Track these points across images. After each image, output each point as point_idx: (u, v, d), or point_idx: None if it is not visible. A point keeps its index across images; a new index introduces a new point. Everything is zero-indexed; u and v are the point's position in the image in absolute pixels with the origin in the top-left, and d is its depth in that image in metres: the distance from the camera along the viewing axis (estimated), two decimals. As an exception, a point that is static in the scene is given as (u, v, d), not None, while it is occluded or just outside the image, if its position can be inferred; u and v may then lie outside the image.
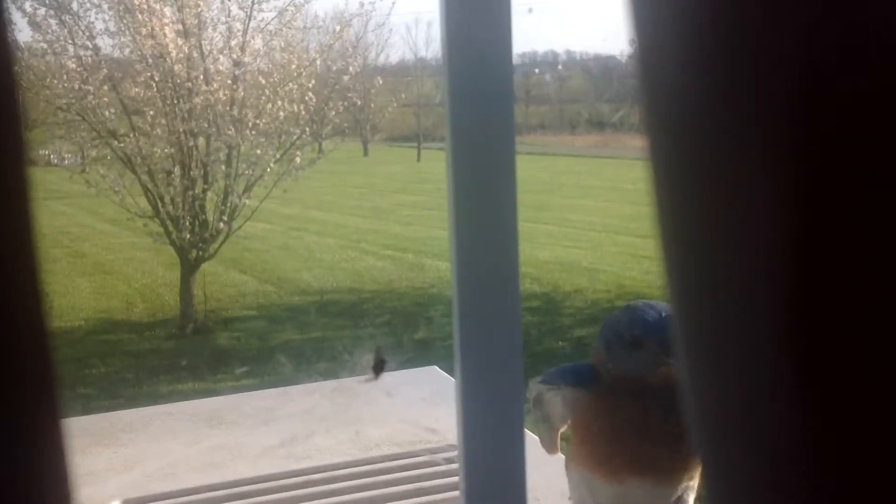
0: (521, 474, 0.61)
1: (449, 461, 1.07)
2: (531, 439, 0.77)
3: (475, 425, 0.60)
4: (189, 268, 6.22)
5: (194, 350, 5.76)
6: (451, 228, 0.57)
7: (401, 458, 1.10)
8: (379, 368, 1.38)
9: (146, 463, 1.16)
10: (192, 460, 1.15)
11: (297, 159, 6.40)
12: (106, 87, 6.09)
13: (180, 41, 6.00)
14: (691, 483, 0.91)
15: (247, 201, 6.26)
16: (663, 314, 0.83)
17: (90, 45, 6.14)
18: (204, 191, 6.10)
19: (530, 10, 9.41)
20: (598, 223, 9.92)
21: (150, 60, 6.00)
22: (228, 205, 6.17)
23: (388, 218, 10.51)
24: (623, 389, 0.86)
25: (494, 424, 0.60)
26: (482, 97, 0.56)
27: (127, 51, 6.22)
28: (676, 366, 0.78)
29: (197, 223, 6.13)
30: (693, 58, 0.20)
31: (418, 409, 1.24)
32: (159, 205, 6.06)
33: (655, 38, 0.21)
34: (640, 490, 0.88)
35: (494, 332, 0.59)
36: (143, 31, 5.94)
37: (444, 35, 0.57)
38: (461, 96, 0.56)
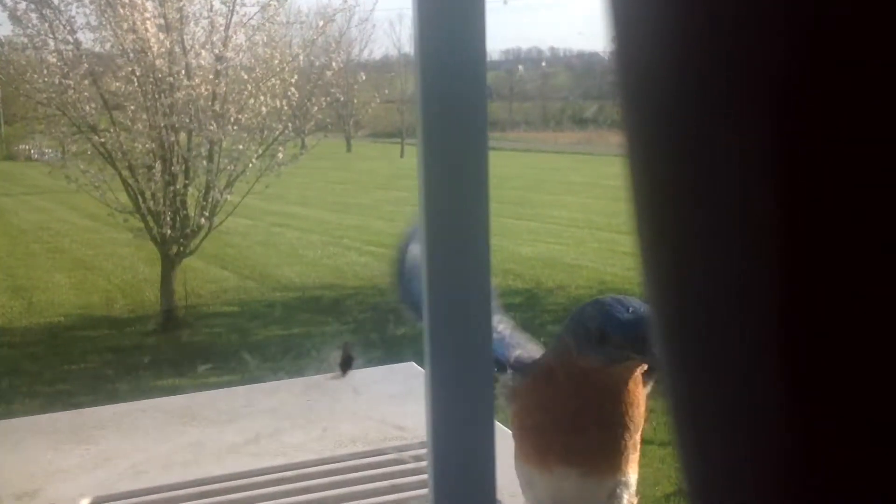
0: (491, 470, 0.61)
1: (418, 459, 1.07)
2: (503, 435, 0.76)
3: (444, 421, 0.59)
4: (170, 263, 6.19)
5: (175, 346, 5.74)
6: (422, 225, 0.56)
7: (369, 456, 1.10)
8: (346, 365, 1.38)
9: (117, 460, 1.15)
10: (163, 458, 1.14)
11: (280, 155, 6.38)
12: (87, 82, 6.06)
13: (162, 36, 5.97)
14: (624, 479, 0.91)
15: (228, 197, 6.24)
16: (631, 310, 0.84)
17: (71, 40, 6.11)
18: (185, 186, 6.08)
19: (505, 2, 9.41)
20: (580, 219, 9.94)
21: (132, 55, 5.97)
22: (210, 200, 6.14)
23: (370, 214, 10.50)
24: (563, 380, 0.87)
25: (464, 420, 0.60)
26: (455, 93, 0.55)
27: (108, 45, 6.19)
28: (642, 362, 0.78)
29: (178, 219, 6.10)
30: (671, 57, 0.19)
31: (389, 406, 1.24)
32: (140, 200, 6.03)
33: (633, 36, 0.21)
34: (569, 480, 0.88)
35: (465, 327, 0.58)
36: (125, 25, 5.91)
37: (416, 30, 0.56)
38: (433, 92, 0.55)
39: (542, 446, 0.89)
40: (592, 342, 0.84)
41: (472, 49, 0.54)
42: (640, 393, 0.90)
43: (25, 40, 6.12)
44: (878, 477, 0.18)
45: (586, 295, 6.64)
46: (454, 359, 0.57)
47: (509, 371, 0.90)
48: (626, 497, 0.91)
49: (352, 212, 10.86)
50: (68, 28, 6.08)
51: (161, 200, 6.05)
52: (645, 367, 0.88)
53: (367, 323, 6.07)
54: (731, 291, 0.19)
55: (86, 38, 6.20)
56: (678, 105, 0.20)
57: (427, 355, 0.58)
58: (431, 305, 0.56)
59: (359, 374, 1.46)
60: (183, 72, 6.00)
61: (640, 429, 0.90)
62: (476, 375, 0.58)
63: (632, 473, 0.92)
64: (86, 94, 6.00)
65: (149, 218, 6.06)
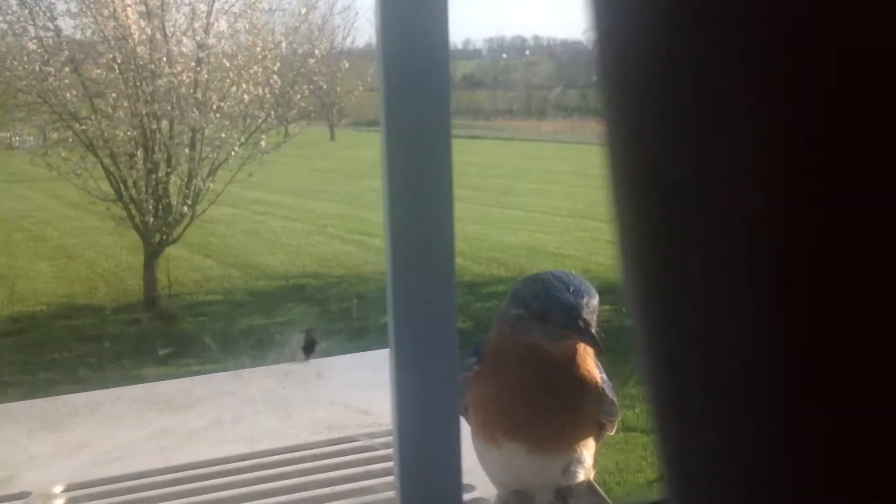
0: (457, 454, 0.61)
1: (385, 446, 1.07)
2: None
3: (409, 408, 0.59)
4: (152, 252, 6.17)
5: (158, 335, 5.72)
6: (385, 213, 0.57)
7: (336, 444, 1.10)
8: (309, 349, 1.38)
9: (91, 447, 1.15)
10: (135, 444, 1.14)
11: (263, 143, 6.36)
12: (67, 69, 6.01)
13: (143, 23, 5.93)
14: (577, 456, 0.91)
15: (211, 185, 6.21)
16: (572, 289, 0.85)
17: (51, 27, 6.06)
18: (167, 174, 6.05)
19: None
20: (564, 208, 9.94)
21: (113, 42, 5.93)
22: (192, 188, 6.11)
23: (354, 202, 10.47)
24: (511, 356, 0.88)
25: (429, 407, 0.60)
26: (417, 82, 0.56)
27: (89, 32, 6.15)
28: (581, 341, 0.78)
29: (160, 207, 6.08)
30: (652, 51, 0.19)
31: (360, 393, 1.24)
32: (122, 188, 6.00)
33: (615, 24, 0.21)
34: (517, 456, 0.89)
35: (429, 314, 0.58)
36: (105, 12, 5.87)
37: (378, 17, 0.56)
38: (395, 81, 0.55)
39: (490, 422, 0.90)
40: (535, 320, 0.85)
41: (434, 38, 0.55)
42: (588, 368, 0.90)
43: (5, 27, 6.07)
44: (854, 472, 0.18)
45: (570, 283, 6.62)
46: (419, 345, 0.58)
47: (467, 356, 0.91)
48: (580, 473, 0.92)
49: (336, 200, 10.82)
50: (48, 15, 6.03)
51: (143, 189, 6.02)
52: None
53: (352, 311, 6.07)
54: (716, 286, 0.19)
55: (66, 25, 6.16)
56: (662, 95, 0.19)
57: (392, 342, 0.58)
58: (395, 293, 0.57)
59: (341, 361, 1.46)
60: (164, 59, 5.96)
61: (597, 407, 0.91)
62: (441, 361, 0.58)
63: (585, 451, 0.92)
64: (66, 81, 5.96)
65: (131, 206, 6.04)
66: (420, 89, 0.56)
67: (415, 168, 0.57)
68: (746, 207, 0.18)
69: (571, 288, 0.85)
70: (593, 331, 0.87)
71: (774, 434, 0.19)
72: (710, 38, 0.18)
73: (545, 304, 0.85)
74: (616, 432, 0.96)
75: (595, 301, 0.89)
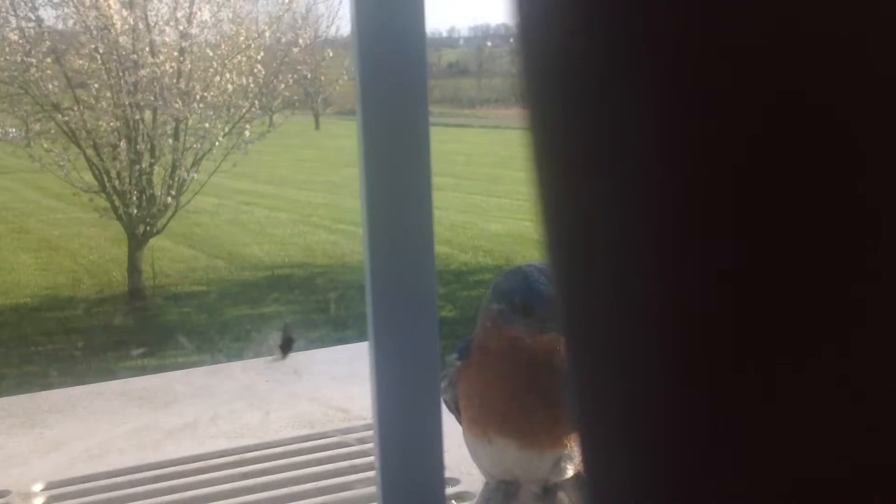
0: (439, 450, 0.60)
1: (362, 441, 1.06)
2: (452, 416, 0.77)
3: (389, 402, 0.58)
4: (137, 243, 6.14)
5: (143, 326, 5.70)
6: (363, 203, 0.56)
7: (314, 439, 1.09)
8: (286, 347, 1.37)
9: (71, 444, 1.14)
10: (115, 441, 1.13)
11: (247, 133, 6.34)
12: (49, 60, 5.98)
13: (125, 12, 5.89)
14: (567, 452, 0.91)
15: (195, 175, 6.19)
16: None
17: (33, 17, 6.02)
18: (151, 165, 6.02)
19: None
20: (550, 196, 9.92)
21: (95, 32, 5.89)
22: (176, 179, 6.09)
23: (340, 192, 10.44)
24: (496, 352, 0.88)
25: (409, 400, 0.59)
26: (394, 69, 0.54)
27: (70, 22, 6.12)
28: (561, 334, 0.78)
29: (144, 198, 6.05)
30: (575, 45, 0.19)
31: (344, 386, 1.24)
32: (105, 179, 5.97)
33: (537, 20, 0.20)
34: (508, 451, 0.89)
35: (409, 306, 0.57)
36: (87, 1, 5.83)
37: (353, 4, 0.55)
38: (372, 69, 0.54)
39: (481, 417, 0.90)
40: (517, 314, 0.84)
41: (410, 24, 0.54)
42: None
43: (-14, 18, 6.03)
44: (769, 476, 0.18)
45: (556, 271, 6.63)
46: (398, 337, 0.57)
47: (453, 354, 0.91)
48: (570, 469, 0.92)
49: (321, 190, 10.80)
50: (30, 5, 5.99)
51: (127, 179, 5.99)
52: None
53: (338, 301, 6.06)
54: (630, 286, 0.19)
55: (48, 15, 6.12)
56: (583, 85, 0.19)
57: (371, 336, 0.57)
58: (374, 287, 0.56)
59: (324, 354, 1.45)
60: (147, 49, 5.93)
61: None
62: (421, 353, 0.58)
63: (575, 447, 0.92)
64: (48, 72, 5.92)
65: (115, 197, 6.01)
66: (397, 77, 0.55)
67: (393, 158, 0.56)
68: (667, 206, 0.18)
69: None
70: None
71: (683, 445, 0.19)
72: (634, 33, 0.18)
73: (527, 298, 0.84)
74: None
75: None
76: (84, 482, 1.02)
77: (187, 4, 6.14)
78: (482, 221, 8.45)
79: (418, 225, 0.57)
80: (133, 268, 6.15)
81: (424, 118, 0.57)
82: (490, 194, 9.93)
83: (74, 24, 6.05)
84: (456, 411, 0.91)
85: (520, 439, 0.89)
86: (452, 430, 0.84)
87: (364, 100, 0.56)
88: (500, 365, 0.88)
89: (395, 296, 0.57)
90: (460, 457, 0.90)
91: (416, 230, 0.57)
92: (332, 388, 1.23)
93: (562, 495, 0.93)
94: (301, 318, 5.67)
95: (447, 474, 0.88)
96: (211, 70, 6.15)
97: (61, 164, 5.94)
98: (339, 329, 5.25)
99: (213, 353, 5.01)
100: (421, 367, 0.58)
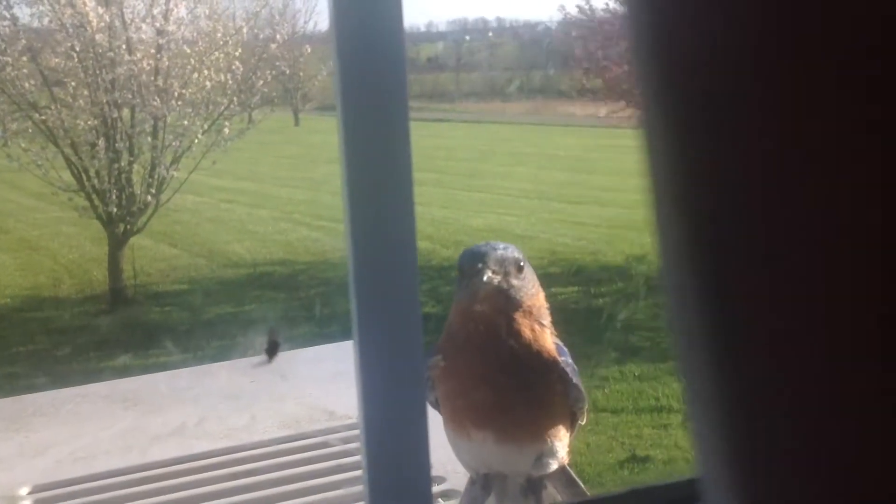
0: (425, 450, 0.61)
1: (346, 441, 1.07)
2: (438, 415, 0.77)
3: (375, 401, 0.59)
4: (117, 242, 6.11)
5: (125, 326, 5.68)
6: (345, 201, 0.56)
7: (300, 439, 1.10)
8: (272, 351, 1.37)
9: (57, 448, 1.13)
10: (103, 444, 1.13)
11: (226, 130, 6.31)
12: (25, 58, 5.93)
13: (101, 10, 5.85)
14: (548, 447, 0.92)
15: (175, 173, 6.16)
16: (489, 246, 0.88)
17: (7, 15, 5.97)
18: (130, 163, 5.98)
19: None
20: (530, 190, 9.95)
21: (71, 30, 5.85)
22: (156, 177, 6.06)
23: (320, 188, 10.40)
24: (458, 332, 0.89)
25: (395, 399, 0.59)
26: (373, 64, 0.55)
27: (46, 20, 6.06)
28: (476, 283, 0.79)
29: (124, 196, 6.02)
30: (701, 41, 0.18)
31: (323, 387, 1.24)
32: (84, 178, 5.93)
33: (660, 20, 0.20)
34: (486, 445, 0.90)
35: (393, 305, 0.58)
36: (63, -1, 5.79)
37: (331, 2, 0.55)
38: (351, 64, 0.54)
39: (458, 412, 0.91)
40: (461, 279, 0.88)
41: (389, 22, 0.54)
42: (546, 349, 0.91)
43: (-40, 17, 5.97)
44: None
45: (537, 266, 6.63)
46: (383, 336, 0.57)
47: (430, 354, 0.91)
48: (552, 464, 0.92)
49: (302, 186, 10.76)
50: (4, 3, 5.94)
51: (106, 178, 5.96)
52: (537, 316, 0.90)
53: (320, 298, 6.04)
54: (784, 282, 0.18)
55: (23, 14, 6.06)
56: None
57: (356, 336, 0.57)
58: (358, 287, 0.56)
59: (310, 352, 1.45)
60: (124, 46, 5.89)
61: (562, 390, 0.91)
62: (406, 353, 0.58)
63: (557, 442, 0.92)
64: (24, 70, 5.87)
65: (94, 196, 5.97)
66: (376, 73, 0.56)
67: (373, 157, 0.56)
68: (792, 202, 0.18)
69: (489, 245, 0.90)
70: (491, 276, 0.89)
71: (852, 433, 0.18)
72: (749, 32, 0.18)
73: (461, 256, 0.89)
74: (587, 413, 0.96)
75: (509, 254, 0.92)
76: (70, 485, 1.02)
77: (163, 1, 6.10)
78: (463, 216, 8.45)
79: (400, 222, 0.57)
80: (114, 267, 6.12)
81: (404, 113, 0.57)
82: (471, 189, 9.93)
83: (50, 21, 6.00)
84: (438, 408, 0.92)
85: (497, 432, 0.89)
86: (439, 429, 0.84)
87: (344, 96, 0.56)
88: (463, 352, 0.89)
89: (379, 294, 0.57)
90: (446, 455, 0.91)
91: (399, 227, 0.57)
92: (316, 389, 1.24)
93: (548, 488, 0.94)
94: (284, 315, 5.66)
95: (433, 473, 0.89)
96: (189, 67, 6.11)
97: (39, 163, 5.89)
98: (323, 326, 5.24)
99: (197, 352, 4.99)
100: (406, 365, 0.59)
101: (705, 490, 0.22)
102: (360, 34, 0.55)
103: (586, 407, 0.95)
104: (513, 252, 0.95)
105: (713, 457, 0.22)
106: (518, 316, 0.90)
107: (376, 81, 0.55)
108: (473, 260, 0.88)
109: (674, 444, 3.96)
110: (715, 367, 0.21)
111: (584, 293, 5.76)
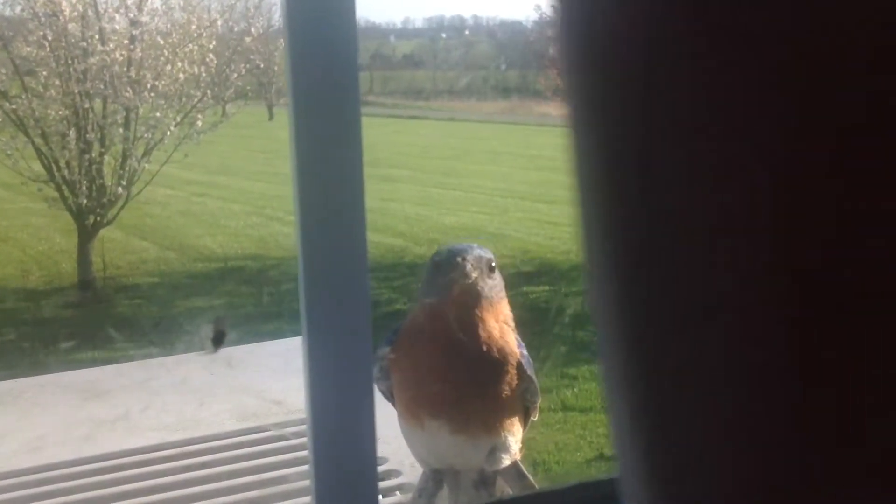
0: (371, 443, 0.61)
1: (298, 435, 1.07)
2: (389, 409, 0.77)
3: (322, 395, 0.59)
4: (87, 234, 6.06)
5: (93, 318, 5.63)
6: (295, 192, 0.56)
7: (250, 433, 1.10)
8: (218, 341, 1.37)
9: (13, 436, 1.13)
10: (60, 433, 1.13)
11: (199, 123, 6.27)
12: (-4, 47, 5.88)
13: (74, -1, 5.81)
14: (501, 441, 0.93)
15: (146, 165, 6.12)
16: (461, 247, 0.91)
17: (-21, 3, 5.91)
18: (101, 154, 5.94)
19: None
20: (504, 189, 9.97)
21: (43, 19, 5.80)
22: (127, 169, 6.01)
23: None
24: (422, 329, 0.91)
25: (342, 393, 0.60)
26: (324, 60, 0.55)
27: (18, 9, 6.01)
28: (455, 277, 0.80)
29: (94, 188, 5.97)
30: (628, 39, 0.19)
31: (277, 380, 1.24)
32: (54, 169, 5.88)
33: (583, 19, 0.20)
34: (440, 436, 0.91)
35: (342, 298, 0.58)
36: (35, -12, 5.74)
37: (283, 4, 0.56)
38: (302, 59, 0.55)
39: (413, 402, 0.92)
40: (432, 274, 0.90)
41: (342, 16, 0.54)
42: (506, 341, 0.92)
43: (-70, 4, 5.90)
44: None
45: (510, 264, 6.66)
46: (331, 331, 0.58)
47: (382, 344, 0.92)
48: (505, 459, 0.93)
49: (275, 181, 10.70)
50: (-25, -9, 5.88)
51: (76, 169, 5.91)
52: (503, 316, 0.93)
53: (292, 293, 6.03)
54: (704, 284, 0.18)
55: (-6, 2, 6.01)
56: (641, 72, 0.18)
57: (304, 328, 0.58)
58: (307, 280, 0.56)
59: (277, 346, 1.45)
60: (97, 36, 5.84)
61: (518, 383, 0.92)
62: (353, 347, 0.58)
63: (511, 437, 0.93)
64: (-5, 59, 5.82)
65: (64, 187, 5.92)
66: (328, 68, 0.56)
67: (324, 151, 0.56)
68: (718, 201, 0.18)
69: (460, 247, 0.93)
70: (469, 272, 0.91)
71: (772, 423, 0.19)
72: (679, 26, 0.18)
73: (437, 253, 0.92)
74: (555, 412, 0.97)
75: (484, 254, 0.95)
76: (25, 474, 1.02)
77: (138, -8, 6.07)
78: (437, 214, 8.45)
79: (350, 216, 0.58)
80: (83, 259, 6.07)
81: (356, 109, 0.57)
82: (445, 187, 9.93)
83: (22, 10, 5.95)
84: (392, 399, 0.93)
85: (451, 423, 0.90)
86: (394, 421, 0.85)
87: (294, 89, 0.56)
88: (426, 344, 0.90)
89: (327, 288, 0.58)
90: (402, 448, 0.91)
91: (349, 221, 0.58)
92: (277, 382, 1.24)
93: (500, 483, 0.95)
94: (255, 310, 5.63)
95: (389, 465, 0.89)
96: (162, 59, 6.08)
97: (9, 153, 5.84)
98: (293, 322, 5.23)
99: (165, 345, 4.97)
100: (353, 359, 0.59)
101: (623, 486, 0.23)
102: (311, 27, 0.55)
103: (538, 402, 0.96)
104: (487, 253, 0.99)
105: (629, 452, 0.22)
106: (487, 314, 0.92)
107: (328, 76, 0.56)
108: (453, 255, 0.91)
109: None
110: (629, 363, 0.21)
111: (554, 292, 5.79)
